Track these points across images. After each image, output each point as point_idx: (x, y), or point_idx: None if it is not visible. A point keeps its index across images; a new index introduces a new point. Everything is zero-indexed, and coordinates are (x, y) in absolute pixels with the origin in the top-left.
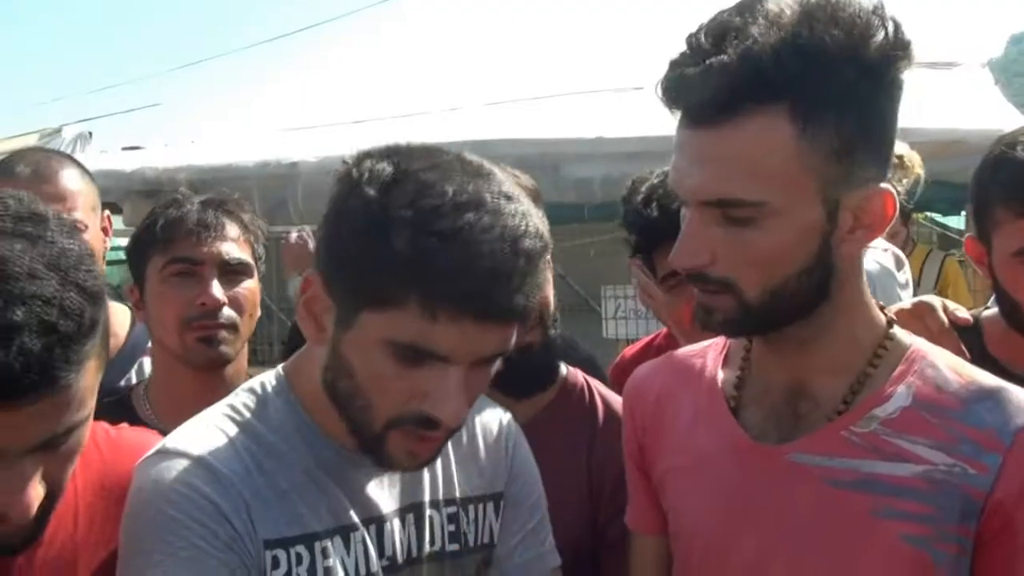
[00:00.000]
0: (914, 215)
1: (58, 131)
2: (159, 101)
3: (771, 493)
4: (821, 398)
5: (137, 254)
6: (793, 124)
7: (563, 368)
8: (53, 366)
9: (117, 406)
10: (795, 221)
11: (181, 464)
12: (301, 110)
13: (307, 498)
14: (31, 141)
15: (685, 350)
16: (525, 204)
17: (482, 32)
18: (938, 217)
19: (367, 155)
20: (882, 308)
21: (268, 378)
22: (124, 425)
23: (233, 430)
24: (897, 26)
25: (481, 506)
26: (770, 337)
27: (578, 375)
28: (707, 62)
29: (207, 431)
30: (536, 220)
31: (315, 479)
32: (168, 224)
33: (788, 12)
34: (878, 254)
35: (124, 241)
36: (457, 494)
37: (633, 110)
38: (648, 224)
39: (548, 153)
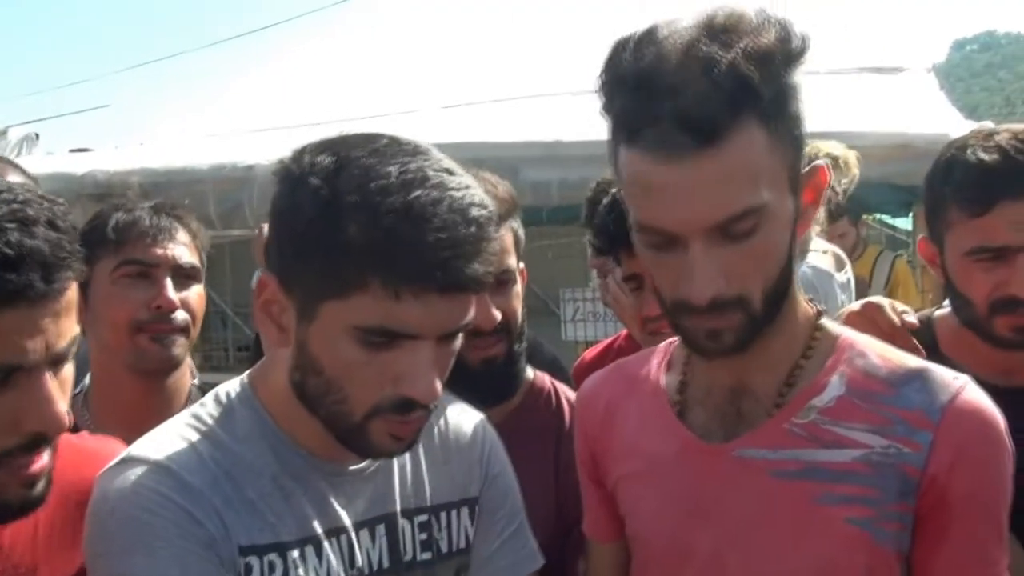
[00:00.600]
0: (864, 217)
1: (3, 133)
2: (108, 102)
3: (721, 490)
4: (761, 394)
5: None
6: (763, 127)
7: (530, 372)
8: (64, 258)
9: None
10: (781, 216)
11: (148, 472)
12: (256, 112)
13: (275, 507)
14: None
15: (631, 358)
16: (466, 177)
17: (439, 35)
18: (887, 219)
19: (304, 150)
20: (810, 300)
21: (233, 386)
22: (84, 433)
23: (198, 440)
24: (788, 21)
25: (455, 512)
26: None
27: (544, 379)
28: (680, 96)
29: (172, 441)
30: (479, 191)
31: (283, 488)
32: (121, 226)
33: (719, 25)
34: (816, 256)
35: None
36: (428, 501)
37: (590, 113)
38: (615, 225)
39: (505, 156)
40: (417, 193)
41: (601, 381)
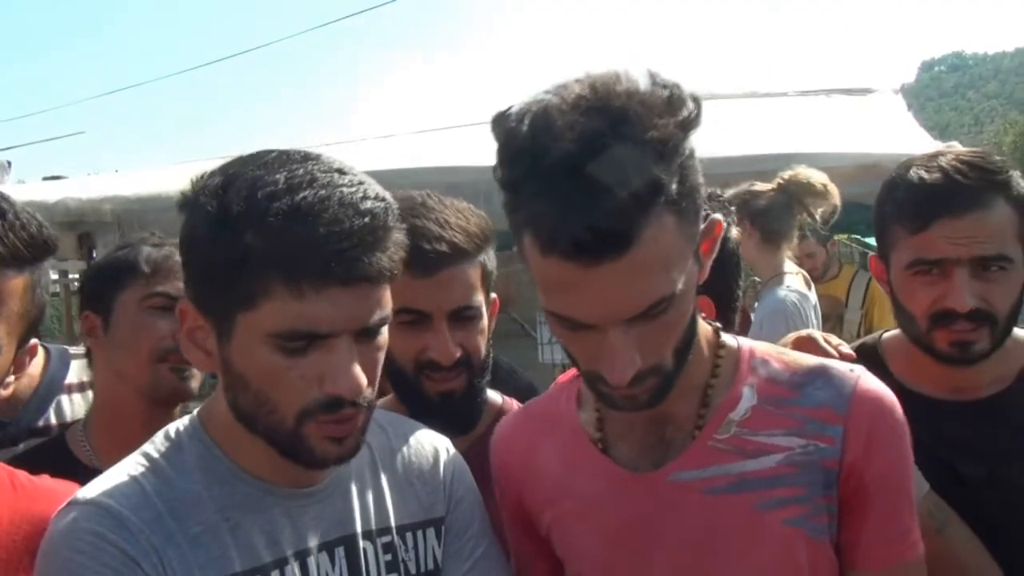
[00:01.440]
0: (835, 237)
1: None
2: (82, 129)
3: (663, 517)
4: (681, 419)
5: (106, 283)
6: (671, 210)
7: (499, 398)
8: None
9: (52, 449)
10: (689, 287)
11: (89, 513)
12: (232, 139)
13: (221, 540)
14: None
15: (538, 400)
16: (360, 175)
17: (414, 63)
18: (861, 238)
19: (200, 177)
20: (705, 319)
21: (183, 422)
22: (45, 476)
23: (146, 476)
24: (679, 87)
25: (420, 532)
26: None
27: (513, 404)
28: (592, 206)
29: (119, 479)
30: (375, 186)
31: (229, 519)
32: (154, 259)
33: (615, 106)
34: (791, 279)
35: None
36: (392, 522)
37: None
38: None
39: (480, 180)
40: (304, 194)
41: (513, 427)
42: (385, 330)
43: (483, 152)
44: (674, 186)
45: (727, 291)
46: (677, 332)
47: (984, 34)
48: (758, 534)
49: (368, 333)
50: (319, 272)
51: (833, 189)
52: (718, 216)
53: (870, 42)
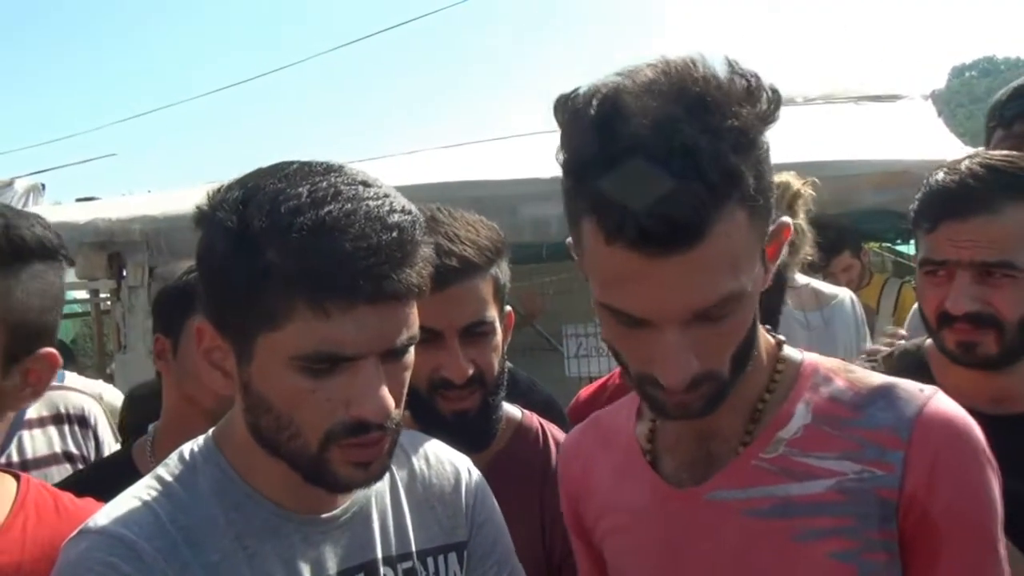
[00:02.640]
0: (866, 246)
1: (10, 184)
2: (115, 151)
3: (698, 536)
4: (728, 435)
5: (175, 307)
6: (745, 210)
7: (518, 412)
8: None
9: (118, 465)
10: (755, 290)
11: (101, 542)
12: (259, 157)
13: (239, 569)
14: None
15: (605, 411)
16: (385, 187)
17: (438, 79)
18: (892, 246)
19: (217, 190)
20: (769, 330)
21: (198, 443)
22: (89, 499)
23: (160, 502)
24: (758, 77)
25: (442, 557)
26: None
27: (533, 419)
28: (663, 193)
29: (132, 506)
30: (401, 199)
31: (246, 548)
32: None
33: (692, 92)
34: (850, 292)
35: (79, 294)
36: (413, 547)
37: None
38: None
39: (504, 194)
40: (329, 208)
41: (578, 438)
42: (412, 350)
43: (507, 166)
44: (751, 180)
45: (771, 311)
46: (738, 338)
47: (1015, 38)
48: (796, 566)
49: (395, 354)
50: (346, 290)
51: (806, 190)
52: (787, 219)
53: (899, 48)
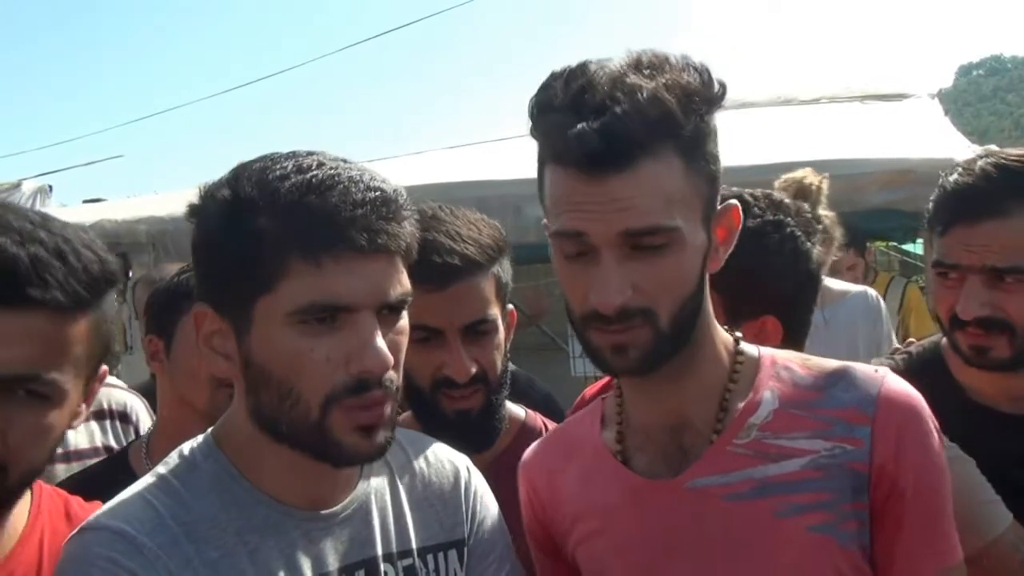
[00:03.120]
0: (871, 245)
1: (17, 185)
2: (122, 153)
3: (682, 524)
4: (699, 425)
5: (167, 308)
6: (681, 157)
7: (521, 411)
8: (53, 276)
9: (114, 464)
10: (693, 244)
11: (103, 539)
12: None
13: (239, 566)
14: None
15: (565, 423)
16: (363, 167)
17: (443, 80)
18: (899, 245)
19: (206, 184)
20: (727, 328)
21: (197, 441)
22: (97, 502)
23: (160, 499)
24: (708, 69)
25: (441, 554)
26: (645, 379)
27: (537, 419)
28: (605, 116)
29: (132, 503)
30: (377, 174)
31: (247, 543)
32: None
33: (646, 62)
34: (867, 289)
35: None
36: (413, 544)
37: None
38: None
39: (509, 194)
40: (314, 172)
41: (538, 451)
42: (406, 315)
43: (511, 166)
44: (687, 132)
45: (801, 314)
46: (675, 284)
47: (1023, 37)
48: (780, 542)
49: (390, 309)
50: (335, 239)
51: (822, 185)
52: (733, 201)
53: (906, 47)
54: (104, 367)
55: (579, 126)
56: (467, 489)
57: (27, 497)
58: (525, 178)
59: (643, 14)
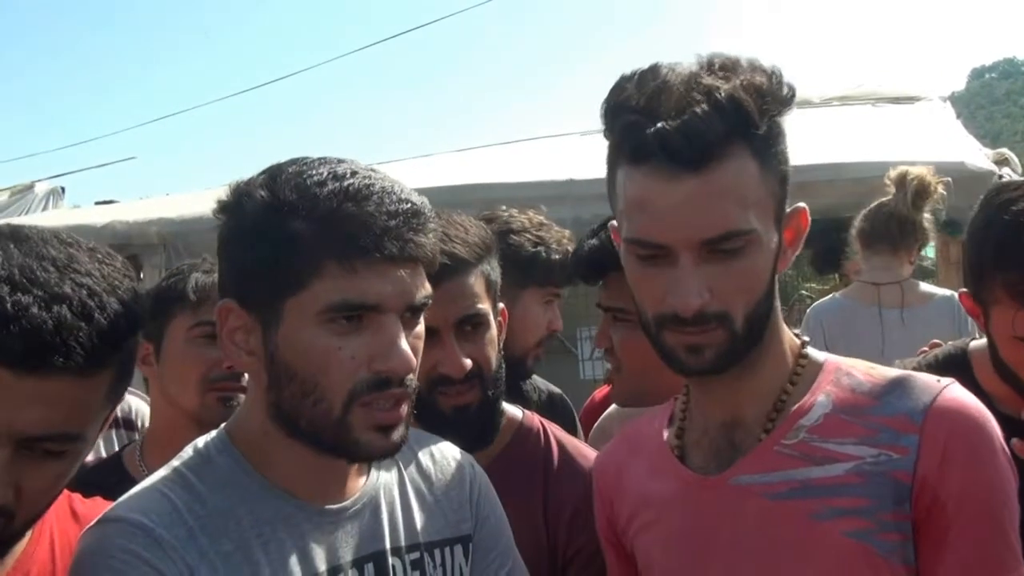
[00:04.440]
0: None
1: (30, 187)
2: (134, 154)
3: (723, 520)
4: (751, 424)
5: (158, 310)
6: (755, 158)
7: (518, 412)
8: (78, 340)
9: (109, 467)
10: (767, 245)
11: (121, 531)
12: (276, 160)
13: (253, 557)
14: (2, 198)
15: (637, 421)
16: (391, 178)
17: (452, 84)
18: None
19: (237, 183)
20: (796, 334)
21: (211, 436)
22: (98, 498)
23: (176, 493)
24: (777, 70)
25: (448, 549)
26: (712, 377)
27: (534, 419)
28: (684, 116)
29: (149, 496)
30: (405, 185)
31: (261, 535)
32: (200, 287)
33: (719, 64)
34: (949, 293)
35: None
36: (420, 539)
37: (601, 152)
38: (599, 254)
39: (518, 196)
40: (350, 181)
41: (611, 449)
42: (423, 321)
43: (521, 168)
44: (760, 126)
45: None
46: (750, 287)
47: None
48: (814, 544)
49: (413, 312)
50: (373, 247)
51: (938, 185)
52: (803, 205)
53: (918, 50)
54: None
55: (658, 125)
56: (472, 486)
57: None
58: (535, 181)
59: (651, 16)
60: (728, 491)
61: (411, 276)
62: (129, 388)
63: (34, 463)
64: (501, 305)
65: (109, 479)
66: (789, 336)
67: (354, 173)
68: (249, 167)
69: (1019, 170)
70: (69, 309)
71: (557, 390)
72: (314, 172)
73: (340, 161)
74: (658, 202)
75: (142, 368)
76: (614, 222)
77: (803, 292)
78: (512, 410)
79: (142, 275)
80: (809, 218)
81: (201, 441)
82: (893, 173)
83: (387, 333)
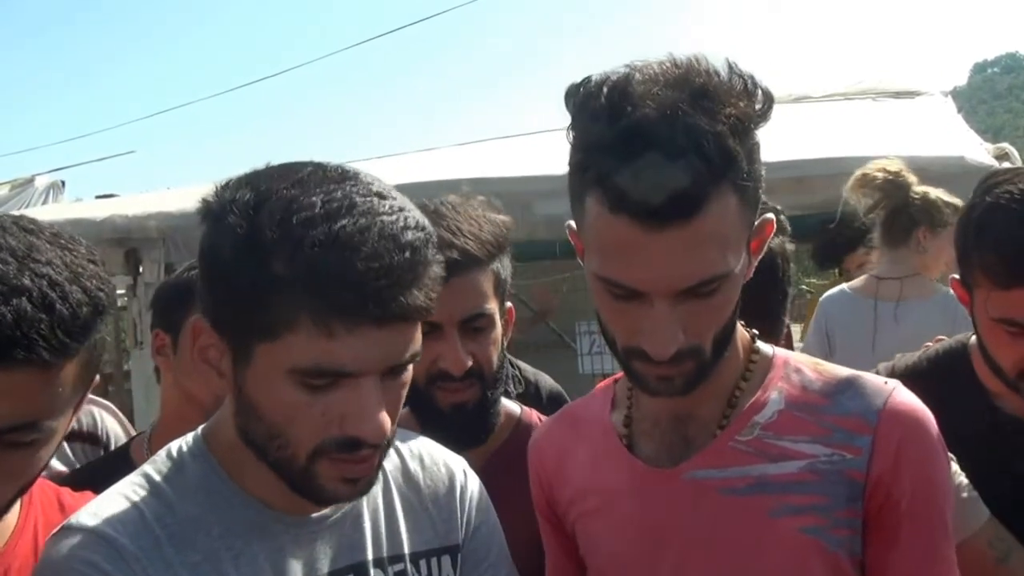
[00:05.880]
0: None
1: (30, 181)
2: (134, 148)
3: (676, 514)
4: (705, 419)
5: (176, 302)
6: (736, 193)
7: (517, 408)
8: (39, 333)
9: (116, 462)
10: (740, 274)
11: (83, 541)
12: (276, 155)
13: (222, 569)
14: (2, 192)
15: (576, 402)
16: (400, 199)
17: (453, 77)
18: None
19: (225, 186)
20: (744, 326)
21: (186, 440)
22: (88, 492)
23: (145, 500)
24: (754, 78)
25: (435, 560)
26: None
27: (532, 415)
28: (668, 169)
29: (117, 503)
30: (415, 213)
31: (232, 547)
32: None
33: (699, 87)
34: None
35: None
36: (405, 549)
37: None
38: None
39: (518, 191)
40: (343, 222)
41: (550, 429)
42: (411, 366)
43: (521, 163)
44: (744, 165)
45: (764, 304)
46: (722, 318)
47: None
48: (769, 540)
49: (396, 371)
50: (353, 310)
51: (911, 176)
52: (770, 216)
53: (919, 45)
54: (96, 378)
55: (641, 178)
56: (462, 493)
57: None
58: (534, 175)
59: (649, 10)
60: (682, 485)
61: (398, 336)
62: (101, 403)
63: (2, 453)
64: (508, 304)
65: (116, 471)
66: (741, 331)
67: (351, 208)
68: (248, 162)
69: (1020, 165)
70: (29, 301)
71: (554, 385)
72: (305, 202)
73: (342, 181)
74: (637, 251)
75: (157, 359)
76: (571, 223)
77: (803, 287)
78: (510, 406)
79: (141, 269)
80: (773, 226)
81: (175, 445)
82: (851, 182)
83: (362, 397)
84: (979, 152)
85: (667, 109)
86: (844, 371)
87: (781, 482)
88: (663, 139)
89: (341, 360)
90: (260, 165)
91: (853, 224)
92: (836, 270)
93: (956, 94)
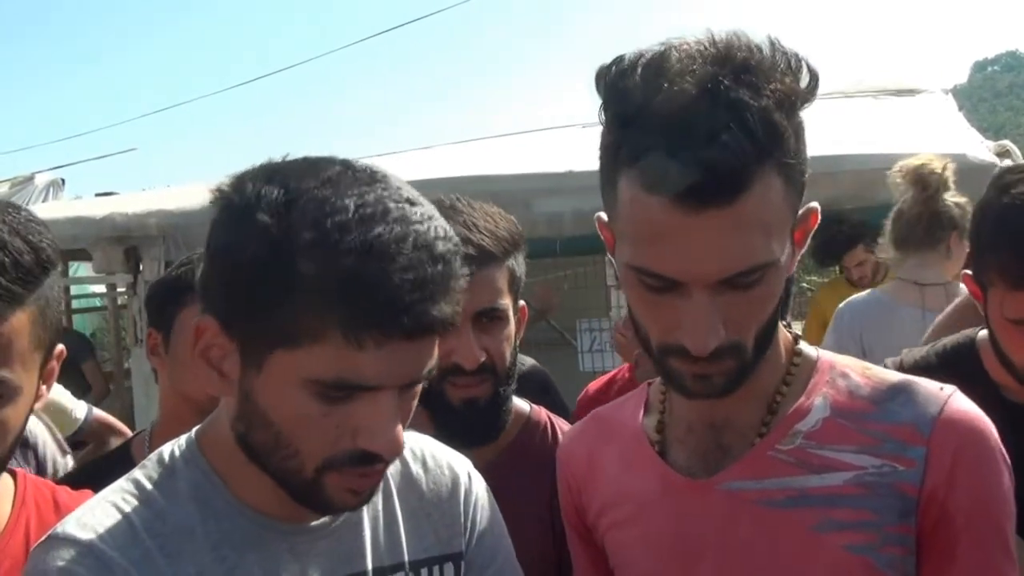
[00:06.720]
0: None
1: (30, 178)
2: (135, 146)
3: (712, 527)
4: (743, 426)
5: (168, 300)
6: (780, 175)
7: (526, 405)
8: None
9: (118, 460)
10: (784, 265)
11: (69, 553)
12: (276, 153)
13: None
14: (2, 190)
15: (607, 406)
16: (427, 206)
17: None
18: None
19: (246, 178)
20: (787, 325)
21: (179, 444)
22: (86, 490)
23: (134, 508)
24: (799, 56)
25: (437, 568)
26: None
27: (541, 412)
28: (711, 147)
29: (104, 512)
30: (442, 221)
31: (225, 559)
32: None
33: (740, 62)
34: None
35: (96, 288)
36: (406, 557)
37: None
38: None
39: (518, 189)
40: (379, 230)
41: (579, 433)
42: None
43: (520, 160)
44: (791, 143)
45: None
46: (765, 313)
47: None
48: (812, 557)
49: (413, 384)
50: (387, 323)
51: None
52: (815, 204)
53: (920, 43)
54: (61, 347)
55: (680, 155)
56: (467, 497)
57: (9, 490)
58: (535, 172)
59: (650, 9)
60: (718, 496)
61: (424, 349)
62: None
63: None
64: (522, 303)
65: (116, 470)
66: (783, 332)
67: (384, 214)
68: (248, 161)
69: (1021, 162)
70: None
71: (533, 361)
72: (339, 205)
73: (372, 183)
74: (674, 236)
75: (151, 358)
76: (601, 214)
77: (803, 285)
78: (520, 404)
79: (141, 267)
80: (819, 216)
81: (167, 449)
82: (901, 169)
83: (380, 412)
84: (980, 150)
85: (707, 83)
86: (895, 376)
87: (824, 495)
88: (703, 114)
89: (365, 374)
90: (260, 160)
91: (852, 222)
92: (836, 268)
93: (957, 92)
